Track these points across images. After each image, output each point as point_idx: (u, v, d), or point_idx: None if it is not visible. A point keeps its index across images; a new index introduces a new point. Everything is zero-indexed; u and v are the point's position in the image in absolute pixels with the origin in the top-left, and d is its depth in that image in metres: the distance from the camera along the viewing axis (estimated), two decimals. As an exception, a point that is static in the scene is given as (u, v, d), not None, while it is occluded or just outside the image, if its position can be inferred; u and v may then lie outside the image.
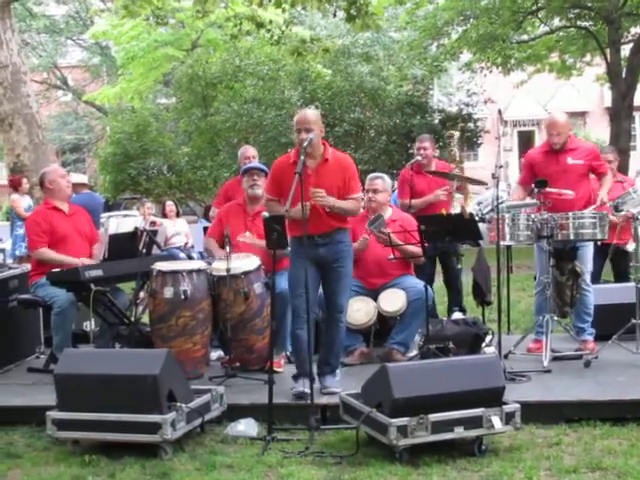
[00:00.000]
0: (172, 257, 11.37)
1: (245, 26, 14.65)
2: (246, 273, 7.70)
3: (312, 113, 7.12)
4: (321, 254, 6.92)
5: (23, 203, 14.72)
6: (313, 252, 6.83)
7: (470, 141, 25.35)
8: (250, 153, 9.38)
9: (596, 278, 9.54)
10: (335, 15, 14.72)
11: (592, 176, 8.38)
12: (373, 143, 22.84)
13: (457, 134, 24.78)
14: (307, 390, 6.61)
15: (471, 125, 24.51)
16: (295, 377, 7.00)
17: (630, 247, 9.14)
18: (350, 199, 6.96)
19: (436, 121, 23.61)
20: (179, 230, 15.00)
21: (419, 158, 9.56)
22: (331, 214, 6.89)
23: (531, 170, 8.40)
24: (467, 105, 24.63)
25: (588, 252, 8.25)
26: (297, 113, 7.10)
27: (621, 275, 10.21)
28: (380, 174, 8.75)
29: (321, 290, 7.22)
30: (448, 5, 22.15)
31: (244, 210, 8.35)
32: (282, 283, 7.34)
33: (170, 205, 15.81)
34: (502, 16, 21.24)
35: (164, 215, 15.56)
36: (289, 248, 6.90)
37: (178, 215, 15.80)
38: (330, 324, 7.15)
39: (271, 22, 15.08)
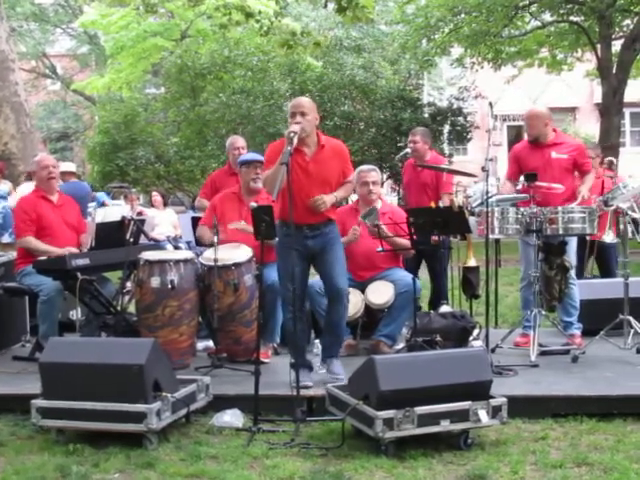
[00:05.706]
0: (159, 247, 11.30)
1: (234, 16, 14.55)
2: (237, 264, 7.67)
3: (307, 99, 7.14)
4: (309, 245, 6.93)
5: None
6: (301, 243, 6.84)
7: (460, 136, 25.28)
8: (240, 144, 9.29)
9: (581, 273, 9.56)
10: (326, 6, 14.64)
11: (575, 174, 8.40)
12: (362, 135, 22.78)
13: (447, 128, 24.67)
14: (310, 383, 6.75)
15: (461, 119, 24.45)
16: (293, 366, 6.81)
17: (607, 238, 9.16)
18: (346, 183, 7.11)
19: (426, 115, 23.53)
20: (165, 221, 14.89)
21: (408, 151, 9.68)
22: None
23: (517, 164, 8.43)
24: (457, 99, 24.58)
25: (573, 246, 8.28)
26: (291, 102, 7.12)
27: (607, 270, 10.27)
28: (372, 166, 8.77)
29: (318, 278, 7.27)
30: (439, 1, 22.06)
31: (240, 199, 8.28)
32: (273, 275, 7.30)
33: (155, 195, 15.71)
34: (494, 12, 21.20)
35: (152, 205, 15.48)
36: (277, 238, 6.87)
37: (165, 205, 15.72)
38: (332, 307, 7.13)
39: (260, 13, 15.01)
